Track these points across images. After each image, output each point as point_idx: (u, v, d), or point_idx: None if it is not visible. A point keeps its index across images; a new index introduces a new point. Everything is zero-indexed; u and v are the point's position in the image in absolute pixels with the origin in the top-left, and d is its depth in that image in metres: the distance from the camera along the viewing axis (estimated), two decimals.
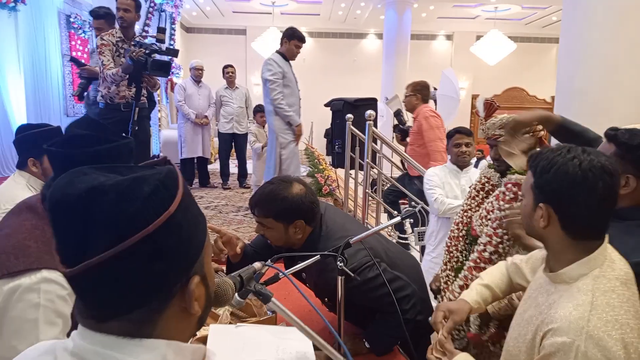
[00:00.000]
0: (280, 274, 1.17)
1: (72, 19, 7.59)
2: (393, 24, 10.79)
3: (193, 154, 5.66)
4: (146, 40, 3.19)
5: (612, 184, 1.00)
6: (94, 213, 0.54)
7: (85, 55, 7.51)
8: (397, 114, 5.17)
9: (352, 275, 1.39)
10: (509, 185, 1.69)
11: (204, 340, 1.26)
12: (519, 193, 1.65)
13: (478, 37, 13.11)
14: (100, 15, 3.96)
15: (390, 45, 10.90)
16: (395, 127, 5.10)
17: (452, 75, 5.50)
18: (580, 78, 3.76)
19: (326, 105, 5.02)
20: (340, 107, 4.56)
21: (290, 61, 4.13)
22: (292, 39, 3.97)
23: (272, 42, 11.62)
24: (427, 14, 13.17)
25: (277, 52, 4.05)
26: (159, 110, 7.39)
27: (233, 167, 6.13)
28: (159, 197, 0.57)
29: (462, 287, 1.71)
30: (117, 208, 0.54)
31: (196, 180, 5.93)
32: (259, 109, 5.26)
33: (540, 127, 1.70)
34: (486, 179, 1.93)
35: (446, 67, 14.77)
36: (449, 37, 15.16)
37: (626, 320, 0.96)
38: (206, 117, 5.69)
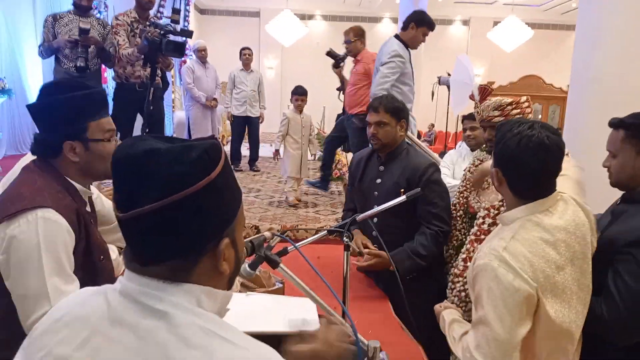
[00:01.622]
0: (291, 247, 1.23)
1: None
2: (408, 8, 10.61)
3: (202, 135, 5.70)
4: (161, 21, 3.22)
5: (546, 158, 1.21)
6: (149, 170, 0.65)
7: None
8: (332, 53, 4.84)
9: (358, 250, 1.44)
10: None
11: None
12: None
13: (495, 23, 12.89)
14: None
15: None
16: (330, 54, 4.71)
17: (467, 61, 5.45)
18: (595, 67, 3.72)
19: (338, 89, 5.03)
20: None
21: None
22: (422, 25, 3.37)
23: (286, 24, 11.58)
24: None
25: (398, 37, 3.40)
26: (173, 92, 7.45)
27: (244, 150, 6.18)
28: (203, 162, 0.67)
29: (466, 260, 1.79)
30: (169, 168, 0.65)
31: None
32: (298, 91, 4.38)
33: (527, 104, 1.81)
34: (479, 161, 2.03)
35: (462, 52, 14.57)
36: (465, 23, 14.94)
37: (540, 253, 1.19)
38: (215, 99, 5.74)
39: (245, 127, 5.86)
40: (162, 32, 3.11)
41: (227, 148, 6.55)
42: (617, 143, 1.44)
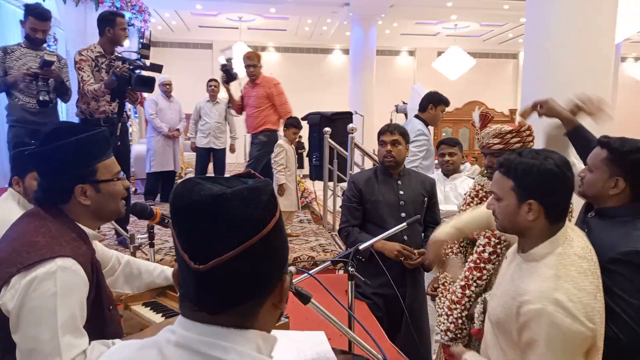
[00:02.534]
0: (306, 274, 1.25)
1: None
2: (359, 40, 11.08)
3: (164, 167, 5.60)
4: (131, 56, 3.19)
5: (573, 173, 1.28)
6: (222, 216, 0.64)
7: None
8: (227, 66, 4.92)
9: (363, 279, 1.47)
10: None
11: None
12: None
13: (439, 53, 13.64)
14: (49, 18, 3.55)
15: (357, 61, 11.17)
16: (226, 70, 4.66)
17: (421, 89, 5.71)
18: (542, 94, 4.01)
19: (303, 118, 5.12)
20: (317, 121, 4.68)
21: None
22: (440, 104, 3.45)
23: (240, 56, 11.68)
24: (391, 31, 13.59)
25: (419, 117, 3.44)
26: (130, 125, 7.26)
27: None
28: (272, 203, 0.68)
29: (464, 288, 1.83)
30: (243, 212, 0.65)
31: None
32: (292, 123, 4.28)
33: (527, 132, 1.87)
34: (480, 186, 2.07)
35: (409, 81, 15.22)
36: (411, 53, 15.67)
37: (584, 287, 1.19)
38: (177, 129, 5.71)
39: (209, 158, 5.81)
40: (131, 67, 3.08)
41: None
42: (597, 160, 1.52)
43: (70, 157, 1.22)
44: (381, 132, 2.43)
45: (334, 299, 1.19)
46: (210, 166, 6.02)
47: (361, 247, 1.52)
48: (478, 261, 1.84)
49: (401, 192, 2.38)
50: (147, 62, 3.26)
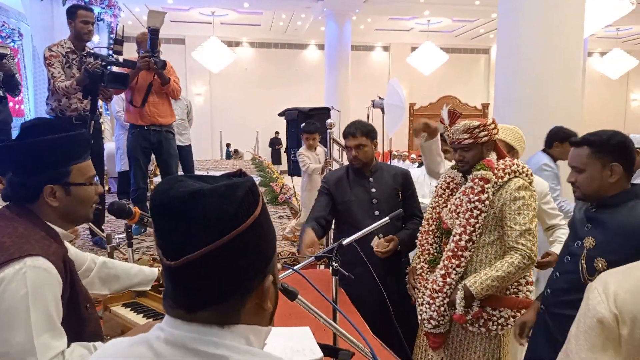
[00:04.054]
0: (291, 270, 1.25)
1: None
2: (334, 35, 11.10)
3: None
4: (101, 52, 3.11)
5: None
6: (196, 213, 0.63)
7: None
8: None
9: (347, 274, 1.48)
10: (477, 180, 1.93)
11: None
12: (486, 186, 1.90)
13: (413, 49, 13.78)
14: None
15: (332, 56, 11.19)
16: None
17: (397, 85, 5.76)
18: (515, 89, 4.11)
19: (280, 114, 5.09)
20: (294, 117, 4.65)
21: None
22: (565, 139, 3.20)
23: (213, 51, 11.53)
24: (365, 26, 13.66)
25: (546, 152, 3.36)
26: (102, 122, 7.08)
27: None
28: (249, 200, 0.66)
29: (444, 276, 1.90)
30: (218, 209, 0.63)
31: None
32: (307, 129, 3.95)
33: (493, 126, 1.96)
34: (450, 179, 2.14)
35: (384, 76, 15.35)
36: (386, 49, 15.79)
37: None
38: None
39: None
40: (103, 63, 3.00)
41: (157, 179, 6.30)
42: (582, 159, 1.59)
43: (45, 155, 1.18)
44: (344, 136, 2.41)
45: (319, 294, 1.20)
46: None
47: (345, 242, 1.53)
48: (456, 249, 1.91)
49: (373, 190, 2.36)
50: (120, 58, 3.18)
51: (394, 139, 8.01)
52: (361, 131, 2.35)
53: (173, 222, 0.64)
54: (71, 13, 3.25)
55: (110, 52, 3.13)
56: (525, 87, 3.97)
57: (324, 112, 4.71)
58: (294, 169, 4.71)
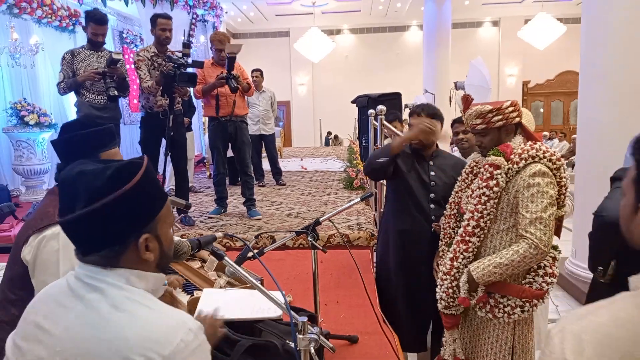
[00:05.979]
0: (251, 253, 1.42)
1: (124, 35, 8.26)
2: (432, 15, 10.70)
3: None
4: (175, 55, 3.53)
5: None
6: (78, 186, 0.88)
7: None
8: None
9: (322, 249, 1.60)
10: (486, 166, 1.91)
11: (197, 300, 1.55)
12: (495, 172, 1.86)
13: (526, 21, 12.65)
14: (106, 22, 3.97)
15: (431, 37, 10.80)
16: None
17: (481, 65, 5.47)
18: (602, 62, 3.70)
19: (352, 102, 5.18)
20: (365, 103, 4.70)
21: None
22: None
23: (314, 41, 11.90)
24: (471, 2, 12.91)
25: None
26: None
27: (265, 165, 6.38)
28: (115, 178, 0.88)
29: (452, 260, 1.94)
30: (91, 184, 0.87)
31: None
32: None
33: (511, 109, 1.89)
34: (474, 163, 2.11)
35: (494, 54, 14.38)
36: (495, 24, 14.73)
37: None
38: None
39: (261, 144, 6.12)
40: (175, 65, 3.41)
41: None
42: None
43: (79, 147, 1.49)
44: (410, 115, 2.49)
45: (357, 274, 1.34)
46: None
47: (321, 219, 1.65)
48: (464, 234, 1.93)
49: (432, 173, 2.40)
50: (190, 60, 3.57)
51: None
52: (427, 112, 2.39)
53: (64, 191, 0.92)
54: (152, 22, 3.73)
55: (181, 55, 3.53)
56: (611, 59, 3.56)
57: (394, 97, 4.68)
58: (365, 155, 4.79)
